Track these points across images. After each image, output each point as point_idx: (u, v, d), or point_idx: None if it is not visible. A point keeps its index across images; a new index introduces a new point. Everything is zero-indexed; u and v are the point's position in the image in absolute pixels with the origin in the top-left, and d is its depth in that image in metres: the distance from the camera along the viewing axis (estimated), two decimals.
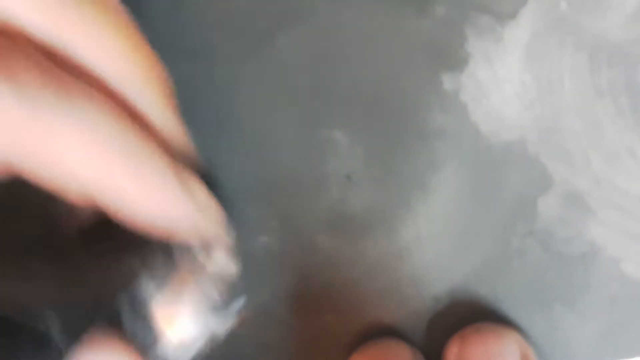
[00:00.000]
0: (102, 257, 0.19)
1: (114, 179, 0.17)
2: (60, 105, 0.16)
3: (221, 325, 0.22)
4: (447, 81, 0.26)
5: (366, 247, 0.26)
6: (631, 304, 0.26)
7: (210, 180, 0.21)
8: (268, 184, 0.26)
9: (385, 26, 0.26)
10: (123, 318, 0.19)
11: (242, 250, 0.22)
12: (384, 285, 0.27)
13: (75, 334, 0.17)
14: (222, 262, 0.22)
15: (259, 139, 0.26)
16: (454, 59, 0.26)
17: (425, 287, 0.27)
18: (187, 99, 0.21)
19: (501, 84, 0.26)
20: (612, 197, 0.26)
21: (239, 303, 0.23)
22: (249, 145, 0.26)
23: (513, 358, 0.25)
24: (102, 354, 0.18)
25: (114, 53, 0.17)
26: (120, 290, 0.19)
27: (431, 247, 0.26)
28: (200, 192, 0.20)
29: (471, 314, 0.26)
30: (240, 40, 0.26)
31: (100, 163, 0.16)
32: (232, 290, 0.22)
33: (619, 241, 0.26)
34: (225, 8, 0.26)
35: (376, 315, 0.27)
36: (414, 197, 0.26)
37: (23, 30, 0.16)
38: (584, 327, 0.26)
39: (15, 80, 0.15)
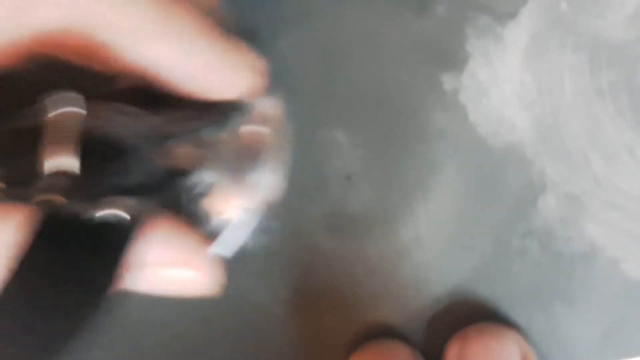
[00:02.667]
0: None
1: (157, 46, 0.17)
2: None
3: (259, 230, 0.22)
4: (447, 81, 0.26)
5: (366, 247, 0.26)
6: (631, 304, 0.26)
7: (252, 38, 0.21)
8: None
9: (385, 26, 0.26)
10: (182, 198, 0.19)
11: (242, 250, 0.22)
12: (384, 286, 0.27)
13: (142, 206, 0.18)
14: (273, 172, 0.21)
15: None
16: (454, 59, 0.26)
17: (425, 287, 0.27)
18: None
19: (501, 84, 0.26)
20: (612, 197, 0.26)
21: (274, 224, 0.23)
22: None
23: (514, 359, 0.25)
24: (163, 231, 0.18)
25: None
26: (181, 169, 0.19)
27: (431, 247, 0.26)
28: (246, 51, 0.20)
29: (471, 314, 0.26)
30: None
31: (143, 30, 0.17)
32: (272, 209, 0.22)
33: (619, 241, 0.26)
34: (227, 8, 0.26)
35: (376, 315, 0.27)
36: (414, 197, 0.26)
37: None
38: (584, 327, 0.26)
39: None
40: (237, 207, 0.21)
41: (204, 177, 0.20)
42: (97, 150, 0.16)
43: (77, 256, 0.16)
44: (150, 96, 0.19)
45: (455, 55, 0.26)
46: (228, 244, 0.21)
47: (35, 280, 0.15)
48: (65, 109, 0.16)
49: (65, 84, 0.18)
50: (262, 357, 0.27)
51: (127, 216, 0.17)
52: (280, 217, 0.26)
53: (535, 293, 0.26)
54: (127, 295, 0.18)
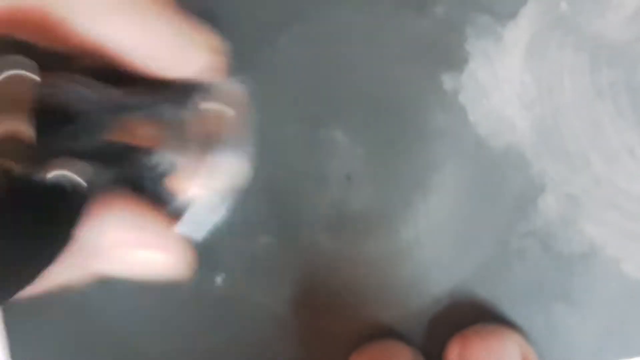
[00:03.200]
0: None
1: (114, 24, 0.17)
2: None
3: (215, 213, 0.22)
4: (447, 81, 0.26)
5: (366, 247, 0.26)
6: (631, 304, 0.26)
7: (212, 19, 0.21)
8: (268, 184, 0.26)
9: (385, 26, 0.26)
10: (143, 176, 0.19)
11: (242, 250, 0.22)
12: (384, 286, 0.27)
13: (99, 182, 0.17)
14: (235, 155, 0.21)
15: (259, 139, 0.26)
16: (454, 58, 0.26)
17: (425, 287, 0.27)
18: None
19: (501, 84, 0.26)
20: (612, 197, 0.26)
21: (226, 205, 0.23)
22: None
23: (514, 359, 0.25)
24: (122, 210, 0.18)
25: None
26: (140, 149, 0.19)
27: (431, 247, 0.26)
28: (204, 30, 0.20)
29: (471, 314, 0.26)
30: (240, 41, 0.26)
31: (100, 9, 0.17)
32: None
33: (619, 241, 0.26)
34: (225, 8, 0.26)
35: (376, 315, 0.27)
36: (414, 197, 0.26)
37: None
38: (584, 327, 0.26)
39: None
40: (202, 186, 0.20)
41: (166, 156, 0.19)
42: (49, 116, 0.16)
43: (29, 219, 0.16)
44: (110, 76, 0.19)
45: (455, 55, 0.26)
46: (195, 225, 0.20)
47: None
48: (17, 71, 0.16)
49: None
50: (262, 357, 0.27)
51: (80, 180, 0.17)
52: (278, 216, 0.26)
53: (535, 293, 0.26)
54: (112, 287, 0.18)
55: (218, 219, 0.21)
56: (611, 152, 0.25)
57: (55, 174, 0.16)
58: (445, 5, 0.25)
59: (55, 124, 0.17)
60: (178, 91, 0.20)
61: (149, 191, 0.19)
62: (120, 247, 0.18)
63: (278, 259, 0.26)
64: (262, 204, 0.26)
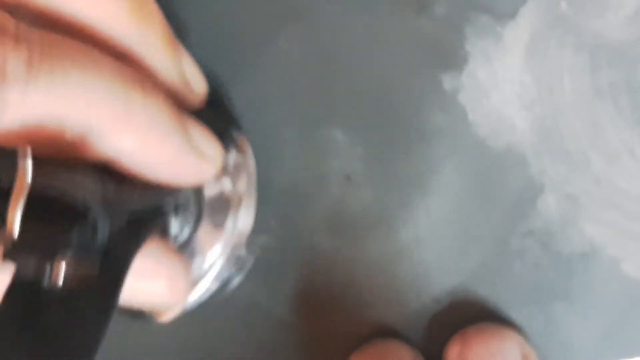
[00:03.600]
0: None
1: (116, 136, 0.17)
2: (52, 73, 0.16)
3: (235, 277, 0.23)
4: (447, 81, 0.26)
5: (366, 247, 0.26)
6: (631, 304, 0.26)
7: (222, 103, 0.21)
8: (268, 183, 0.26)
9: (385, 26, 0.26)
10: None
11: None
12: (384, 286, 0.27)
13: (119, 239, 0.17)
14: (244, 217, 0.22)
15: (259, 139, 0.26)
16: (454, 58, 0.26)
17: (425, 287, 0.27)
18: None
19: (501, 84, 0.26)
20: (612, 197, 0.26)
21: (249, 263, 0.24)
22: (249, 145, 0.26)
23: (514, 358, 0.25)
24: (157, 256, 0.19)
25: (115, 4, 0.18)
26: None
27: (431, 247, 0.26)
28: (208, 142, 0.20)
29: (471, 314, 0.26)
30: (240, 40, 0.26)
31: (100, 120, 0.16)
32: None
33: (619, 241, 0.26)
34: (225, 8, 0.26)
35: (376, 315, 0.27)
36: (414, 197, 0.26)
37: None
38: (584, 327, 0.26)
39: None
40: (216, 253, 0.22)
41: (179, 231, 0.20)
42: (49, 208, 0.16)
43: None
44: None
45: (455, 55, 0.26)
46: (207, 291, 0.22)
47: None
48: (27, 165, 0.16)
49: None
50: (262, 357, 0.27)
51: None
52: (278, 216, 0.26)
53: (535, 293, 0.26)
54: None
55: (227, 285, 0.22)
56: (611, 152, 0.25)
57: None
58: (445, 5, 0.25)
59: (54, 217, 0.16)
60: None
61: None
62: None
63: (278, 259, 0.26)
64: (261, 204, 0.26)
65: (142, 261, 0.18)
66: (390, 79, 0.26)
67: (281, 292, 0.27)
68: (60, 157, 0.17)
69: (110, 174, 0.18)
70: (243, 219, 0.23)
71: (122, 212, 0.18)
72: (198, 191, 0.22)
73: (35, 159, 0.15)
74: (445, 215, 0.26)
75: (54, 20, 0.17)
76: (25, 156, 0.15)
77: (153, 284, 0.19)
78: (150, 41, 0.19)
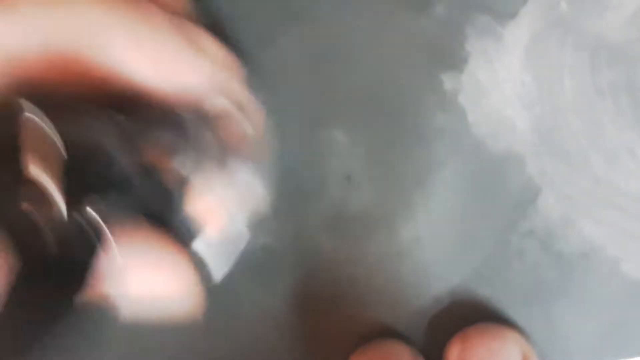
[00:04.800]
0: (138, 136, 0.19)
1: (121, 52, 0.17)
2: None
3: (244, 238, 0.22)
4: (447, 81, 0.26)
5: (366, 247, 0.26)
6: (631, 304, 0.26)
7: (219, 31, 0.21)
8: (268, 184, 0.26)
9: (385, 26, 0.26)
10: (165, 211, 0.19)
11: (242, 250, 0.22)
12: (385, 285, 0.27)
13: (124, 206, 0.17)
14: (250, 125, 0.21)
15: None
16: (454, 58, 0.26)
17: (425, 287, 0.27)
18: None
19: (501, 84, 0.26)
20: (612, 197, 0.26)
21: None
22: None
23: (514, 358, 0.25)
24: (146, 245, 0.18)
25: None
26: (160, 180, 0.19)
27: (431, 247, 0.26)
28: (208, 41, 0.20)
29: (471, 314, 0.26)
30: (240, 41, 0.26)
31: (108, 40, 0.17)
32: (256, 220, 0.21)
33: (619, 241, 0.26)
34: (225, 9, 0.26)
35: (376, 315, 0.27)
36: (414, 197, 0.26)
37: None
38: (584, 327, 0.26)
39: None
40: (219, 203, 0.20)
41: (183, 164, 0.19)
42: (71, 155, 0.16)
43: (53, 265, 0.16)
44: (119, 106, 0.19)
45: (455, 55, 0.26)
46: (218, 259, 0.20)
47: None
48: (33, 115, 0.16)
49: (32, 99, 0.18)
50: (262, 357, 0.27)
51: (103, 226, 0.17)
52: (278, 216, 0.26)
53: (535, 293, 0.26)
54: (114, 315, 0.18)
55: (239, 251, 0.21)
56: (611, 152, 0.25)
57: (80, 218, 0.16)
58: (445, 5, 0.25)
59: (77, 162, 0.16)
60: (192, 106, 0.20)
61: (162, 210, 0.19)
62: (130, 270, 0.18)
63: (278, 259, 0.26)
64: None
65: (143, 258, 0.18)
66: (391, 79, 0.26)
67: (281, 292, 0.27)
68: (75, 80, 0.17)
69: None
70: (255, 170, 0.22)
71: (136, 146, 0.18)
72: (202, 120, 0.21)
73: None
74: (445, 215, 0.26)
75: None
76: (28, 109, 0.15)
77: (158, 279, 0.19)
78: None
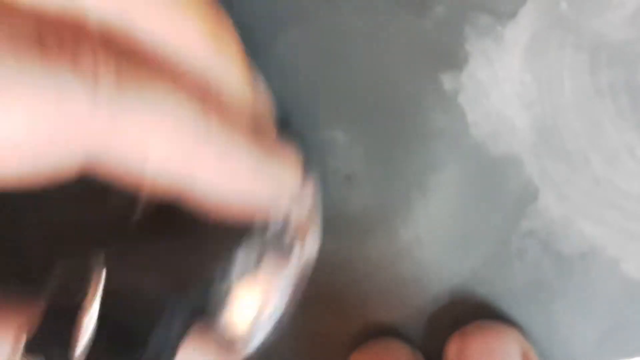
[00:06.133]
0: (187, 249, 0.18)
1: (196, 166, 0.16)
2: (137, 98, 0.15)
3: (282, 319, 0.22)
4: (447, 81, 0.26)
5: (366, 247, 0.26)
6: (631, 304, 0.26)
7: (286, 124, 0.21)
8: None
9: (385, 26, 0.26)
10: (213, 313, 0.19)
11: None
12: (384, 285, 0.27)
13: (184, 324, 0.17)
14: (310, 245, 0.21)
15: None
16: (454, 59, 0.26)
17: (425, 286, 0.27)
18: None
19: (501, 83, 0.26)
20: (612, 197, 0.26)
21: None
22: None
23: (514, 356, 0.25)
24: (199, 353, 0.18)
25: (194, 30, 0.17)
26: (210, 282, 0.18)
27: (431, 247, 0.26)
28: (285, 158, 0.19)
29: (471, 314, 0.26)
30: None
31: (183, 152, 0.16)
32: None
33: (619, 241, 0.26)
34: (225, 9, 0.26)
35: (376, 315, 0.27)
36: (414, 197, 0.26)
37: (87, 19, 0.15)
38: (584, 327, 0.26)
39: (87, 77, 0.14)
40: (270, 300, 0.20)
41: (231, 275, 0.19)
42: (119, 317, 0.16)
43: None
44: (178, 218, 0.18)
45: (455, 55, 0.26)
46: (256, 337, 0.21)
47: None
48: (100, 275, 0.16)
49: (95, 203, 0.17)
50: (262, 357, 0.27)
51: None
52: None
53: (535, 293, 0.26)
54: None
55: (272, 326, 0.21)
56: (611, 152, 0.25)
57: None
58: (445, 5, 0.25)
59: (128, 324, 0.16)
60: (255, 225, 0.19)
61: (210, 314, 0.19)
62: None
63: None
64: None
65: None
66: (390, 79, 0.26)
67: None
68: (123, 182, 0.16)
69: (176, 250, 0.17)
70: (310, 246, 0.22)
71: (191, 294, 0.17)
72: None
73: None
74: (446, 215, 0.26)
75: (124, 44, 0.16)
76: (98, 265, 0.15)
77: None
78: (229, 69, 0.18)
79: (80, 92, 0.14)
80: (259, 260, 0.20)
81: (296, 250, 0.21)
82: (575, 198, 0.26)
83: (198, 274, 0.18)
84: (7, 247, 0.17)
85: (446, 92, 0.26)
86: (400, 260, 0.26)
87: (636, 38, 0.25)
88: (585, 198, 0.26)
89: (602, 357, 0.27)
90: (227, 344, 0.19)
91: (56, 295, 0.16)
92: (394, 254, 0.26)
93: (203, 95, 0.17)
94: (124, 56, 0.15)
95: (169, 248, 0.18)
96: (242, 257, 0.19)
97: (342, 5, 0.26)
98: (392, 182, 0.26)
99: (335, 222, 0.26)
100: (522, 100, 0.26)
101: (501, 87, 0.26)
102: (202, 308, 0.18)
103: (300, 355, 0.27)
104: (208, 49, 0.17)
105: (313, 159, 0.22)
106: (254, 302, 0.20)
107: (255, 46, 0.26)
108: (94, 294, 0.15)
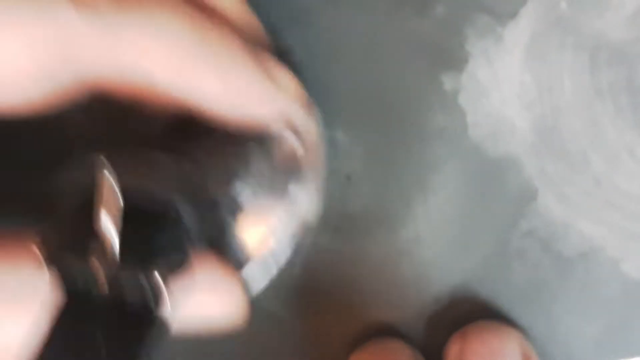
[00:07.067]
0: (199, 157, 0.19)
1: (198, 78, 0.17)
2: (134, 18, 0.16)
3: (293, 255, 0.22)
4: (447, 81, 0.26)
5: (366, 247, 0.26)
6: (631, 304, 0.26)
7: (285, 56, 0.21)
8: None
9: (385, 26, 0.26)
10: (219, 238, 0.19)
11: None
12: (384, 285, 0.27)
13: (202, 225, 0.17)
14: (310, 193, 0.21)
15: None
16: (454, 59, 0.26)
17: (425, 286, 0.27)
18: None
19: (501, 84, 0.26)
20: (612, 197, 0.26)
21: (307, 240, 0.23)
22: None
23: (514, 356, 0.25)
24: (205, 273, 0.18)
25: None
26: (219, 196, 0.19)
27: (431, 247, 0.26)
28: (282, 73, 0.20)
29: (471, 314, 0.26)
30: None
31: (183, 65, 0.17)
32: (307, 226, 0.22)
33: (619, 241, 0.26)
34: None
35: (376, 315, 0.27)
36: (414, 197, 0.26)
37: None
38: (584, 327, 0.26)
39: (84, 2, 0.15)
40: (273, 229, 0.21)
41: (242, 192, 0.20)
42: (135, 214, 0.16)
43: (100, 336, 0.15)
44: (187, 124, 0.19)
45: (455, 56, 0.26)
46: (258, 276, 0.21)
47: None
48: (107, 174, 0.16)
49: (105, 117, 0.18)
50: (262, 357, 0.27)
51: (165, 292, 0.16)
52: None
53: (535, 293, 0.26)
54: None
55: (279, 266, 0.21)
56: (611, 152, 0.25)
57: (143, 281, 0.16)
58: (445, 5, 0.25)
59: (143, 220, 0.16)
60: (256, 130, 0.20)
61: (218, 237, 0.19)
62: (188, 296, 0.18)
63: None
64: None
65: (199, 283, 0.18)
66: (391, 79, 0.26)
67: (281, 292, 0.27)
68: (136, 100, 0.17)
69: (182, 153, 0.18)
70: (309, 192, 0.22)
71: (202, 194, 0.18)
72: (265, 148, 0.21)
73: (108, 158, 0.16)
74: (445, 215, 0.26)
75: None
76: (103, 165, 0.15)
77: (213, 302, 0.19)
78: None
79: (77, 17, 0.15)
80: (262, 181, 0.20)
81: (296, 189, 0.21)
82: (575, 198, 0.26)
83: (207, 186, 0.19)
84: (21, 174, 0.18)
85: (446, 92, 0.26)
86: (400, 260, 0.26)
87: (636, 38, 0.25)
88: (585, 198, 0.26)
89: (602, 357, 0.27)
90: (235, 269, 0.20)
91: (69, 202, 0.16)
92: (394, 253, 0.26)
93: (200, 11, 0.18)
94: None
95: (181, 160, 0.18)
96: (248, 172, 0.20)
97: (342, 5, 0.26)
98: (392, 182, 0.26)
99: (335, 222, 0.26)
100: (522, 100, 0.26)
101: (501, 87, 0.26)
102: (211, 228, 0.19)
103: (300, 355, 0.27)
104: None
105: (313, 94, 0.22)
106: (257, 232, 0.20)
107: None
108: (105, 198, 0.16)
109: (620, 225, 0.26)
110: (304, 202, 0.21)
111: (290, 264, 0.22)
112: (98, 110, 0.18)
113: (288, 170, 0.21)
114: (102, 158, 0.16)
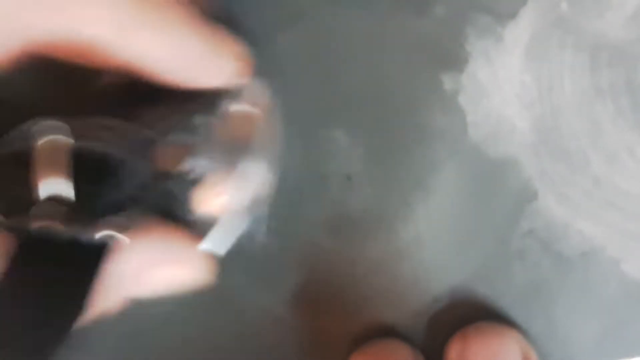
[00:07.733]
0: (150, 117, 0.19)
1: (141, 41, 0.18)
2: None
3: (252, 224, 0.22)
4: (447, 81, 0.26)
5: (366, 247, 0.26)
6: (631, 304, 0.26)
7: (236, 25, 0.21)
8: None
9: (385, 26, 0.26)
10: (177, 210, 0.20)
11: (242, 250, 0.22)
12: (384, 286, 0.27)
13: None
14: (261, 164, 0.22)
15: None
16: (454, 59, 0.26)
17: (425, 287, 0.27)
18: None
19: (501, 84, 0.26)
20: (612, 197, 0.26)
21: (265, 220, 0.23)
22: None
23: (514, 357, 0.25)
24: (162, 242, 0.19)
25: None
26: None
27: (431, 247, 0.26)
28: (231, 42, 0.20)
29: (471, 314, 0.26)
30: (240, 42, 0.26)
31: (124, 27, 0.17)
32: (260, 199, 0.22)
33: (619, 241, 0.26)
34: (225, 9, 0.26)
35: (376, 315, 0.27)
36: (414, 197, 0.26)
37: None
38: (584, 327, 0.26)
39: None
40: (230, 195, 0.21)
41: (196, 164, 0.20)
42: (86, 172, 0.17)
43: (54, 279, 0.16)
44: (136, 89, 0.19)
45: (455, 56, 0.26)
46: (219, 241, 0.21)
47: (13, 301, 0.15)
48: (53, 136, 0.17)
49: (53, 82, 0.18)
50: (262, 357, 0.27)
51: (124, 237, 0.17)
52: (278, 216, 0.26)
53: (535, 293, 0.26)
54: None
55: (241, 232, 0.22)
56: (611, 152, 0.25)
57: (99, 234, 0.17)
58: (445, 6, 0.25)
59: (93, 178, 0.17)
60: (205, 99, 0.20)
61: (175, 210, 0.20)
62: (147, 269, 0.19)
63: (278, 259, 0.26)
64: None
65: (160, 254, 0.19)
66: (391, 79, 0.26)
67: (281, 292, 0.27)
68: (80, 62, 0.17)
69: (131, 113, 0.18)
70: (261, 162, 0.22)
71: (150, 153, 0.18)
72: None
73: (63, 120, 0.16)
74: (445, 215, 0.26)
75: None
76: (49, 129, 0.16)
77: (176, 272, 0.20)
78: None
79: None
80: (213, 152, 0.20)
81: (247, 160, 0.21)
82: (575, 198, 0.26)
83: (157, 153, 0.19)
84: None
85: (446, 92, 0.26)
86: (400, 260, 0.26)
87: (636, 38, 0.25)
88: (585, 198, 0.26)
89: (601, 357, 0.27)
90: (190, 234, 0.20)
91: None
92: (394, 254, 0.26)
93: None
94: None
95: (132, 125, 0.19)
96: (198, 141, 0.20)
97: (342, 5, 0.26)
98: (392, 182, 0.26)
99: (335, 222, 0.26)
100: (522, 100, 0.26)
101: (501, 87, 0.26)
102: (164, 197, 0.19)
103: (299, 355, 0.27)
104: None
105: (261, 63, 0.22)
106: (211, 203, 0.21)
107: (256, 47, 0.26)
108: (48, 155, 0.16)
109: (620, 225, 0.26)
110: (256, 172, 0.22)
111: (250, 234, 0.23)
112: (49, 79, 0.18)
113: (238, 141, 0.21)
114: (52, 122, 0.16)
